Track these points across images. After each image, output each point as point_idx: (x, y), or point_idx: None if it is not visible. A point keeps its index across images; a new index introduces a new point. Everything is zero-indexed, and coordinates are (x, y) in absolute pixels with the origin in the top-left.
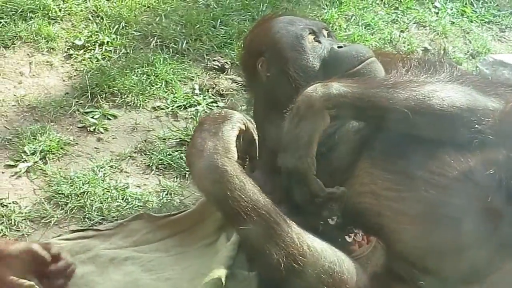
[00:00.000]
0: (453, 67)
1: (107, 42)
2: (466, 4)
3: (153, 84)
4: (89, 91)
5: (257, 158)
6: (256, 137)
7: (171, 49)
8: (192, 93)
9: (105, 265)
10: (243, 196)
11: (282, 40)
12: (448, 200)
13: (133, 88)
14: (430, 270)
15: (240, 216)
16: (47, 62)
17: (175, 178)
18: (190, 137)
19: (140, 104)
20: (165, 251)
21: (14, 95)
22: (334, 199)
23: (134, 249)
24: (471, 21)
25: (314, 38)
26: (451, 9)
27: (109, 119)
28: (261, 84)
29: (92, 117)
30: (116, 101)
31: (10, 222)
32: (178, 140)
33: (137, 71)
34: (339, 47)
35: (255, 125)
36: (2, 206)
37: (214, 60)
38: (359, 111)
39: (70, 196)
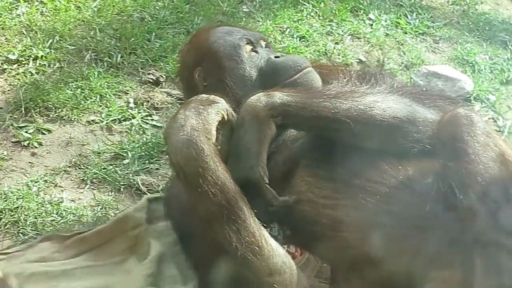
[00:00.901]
0: (392, 79)
1: (41, 56)
2: (400, 16)
3: (88, 98)
4: (23, 106)
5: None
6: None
7: (105, 63)
8: (127, 106)
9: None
10: (214, 177)
11: (219, 49)
12: (385, 208)
13: (67, 102)
14: (366, 277)
15: (207, 196)
16: None
17: (110, 192)
18: (125, 150)
19: (74, 118)
20: (73, 266)
21: None
22: (287, 207)
23: (41, 264)
24: (405, 33)
25: (251, 49)
26: (386, 21)
27: (43, 134)
28: (198, 94)
29: (26, 132)
30: (50, 116)
31: None
32: (113, 154)
33: (72, 85)
34: (276, 57)
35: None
36: None
37: (148, 74)
38: (302, 120)
39: (4, 211)
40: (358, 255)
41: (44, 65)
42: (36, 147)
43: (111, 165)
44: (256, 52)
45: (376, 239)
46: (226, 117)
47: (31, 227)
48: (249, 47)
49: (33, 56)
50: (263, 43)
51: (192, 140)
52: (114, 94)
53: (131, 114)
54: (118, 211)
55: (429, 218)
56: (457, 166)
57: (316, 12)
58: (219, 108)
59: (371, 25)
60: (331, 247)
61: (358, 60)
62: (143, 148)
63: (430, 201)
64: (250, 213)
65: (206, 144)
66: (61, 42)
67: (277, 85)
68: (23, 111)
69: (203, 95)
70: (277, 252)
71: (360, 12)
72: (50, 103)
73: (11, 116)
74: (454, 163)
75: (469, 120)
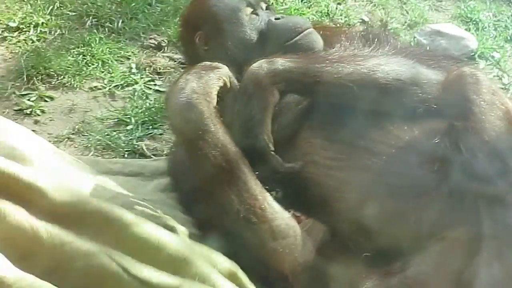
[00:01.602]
0: (395, 39)
1: (42, 23)
2: None
3: (90, 64)
4: (24, 74)
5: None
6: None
7: (107, 29)
8: (129, 72)
9: None
10: (214, 139)
11: (219, 13)
12: (390, 168)
13: (69, 69)
14: (373, 239)
15: (208, 159)
16: None
17: (114, 158)
18: (128, 116)
19: (76, 85)
20: None
21: None
22: (293, 173)
23: None
24: None
25: (251, 11)
26: None
27: (46, 101)
28: (199, 58)
29: (29, 100)
30: (53, 83)
31: None
32: (116, 120)
33: (73, 52)
34: (276, 18)
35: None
36: None
37: (150, 38)
38: (304, 86)
39: None
40: (362, 218)
41: (45, 32)
42: (39, 115)
43: (114, 131)
44: (257, 14)
45: (381, 201)
46: (228, 83)
47: None
48: (249, 10)
49: (33, 23)
50: (263, 5)
51: (191, 102)
52: (116, 60)
53: (134, 79)
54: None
55: (436, 178)
56: (464, 125)
57: None
58: (221, 73)
59: None
60: (334, 211)
61: (360, 20)
62: (146, 113)
63: (437, 161)
64: (252, 176)
65: (206, 107)
66: (62, 8)
67: (278, 47)
68: (25, 79)
69: (206, 62)
70: (280, 215)
71: None
72: (52, 70)
73: (13, 84)
74: (460, 122)
75: (474, 78)
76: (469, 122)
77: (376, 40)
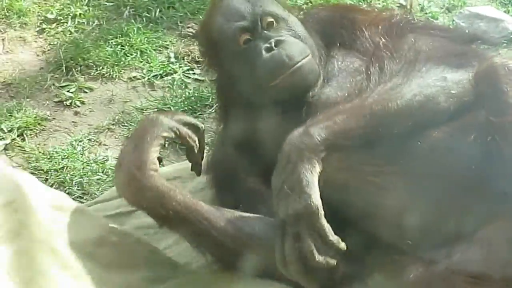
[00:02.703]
0: (423, 29)
1: (80, 14)
2: None
3: (128, 55)
4: (63, 65)
5: (201, 164)
6: (194, 144)
7: (144, 18)
8: (168, 61)
9: None
10: (162, 204)
11: (214, 42)
12: (430, 170)
13: (108, 59)
14: (418, 232)
15: (167, 220)
16: (20, 37)
17: None
18: (168, 106)
19: (116, 75)
20: None
21: None
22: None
23: None
24: None
25: (247, 38)
26: None
27: (85, 92)
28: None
29: (68, 91)
30: (92, 74)
31: None
32: (156, 109)
33: (111, 42)
34: (270, 49)
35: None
36: None
37: (188, 27)
38: (347, 145)
39: (49, 172)
40: (408, 216)
41: (83, 23)
42: (78, 106)
43: None
44: (255, 39)
45: (424, 202)
46: (172, 134)
47: (78, 187)
48: (245, 37)
49: (71, 14)
50: (265, 22)
51: (128, 177)
52: (154, 49)
53: (173, 68)
54: (162, 167)
55: (476, 176)
56: (500, 120)
57: None
58: (156, 132)
59: None
60: (376, 220)
61: (398, 4)
62: (185, 102)
63: (476, 159)
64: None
65: (143, 176)
66: None
67: (266, 87)
68: (64, 71)
69: (149, 116)
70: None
71: None
72: (91, 61)
73: (52, 76)
74: (496, 117)
75: (507, 69)
76: (505, 116)
77: (406, 30)
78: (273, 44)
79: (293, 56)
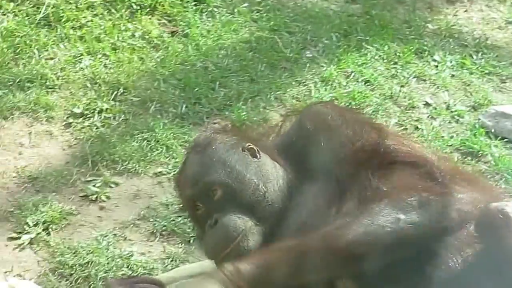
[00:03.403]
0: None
1: (106, 109)
2: (465, 56)
3: (154, 150)
4: (89, 159)
5: None
6: None
7: (170, 114)
8: None
9: None
10: None
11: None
12: None
13: (133, 154)
14: None
15: None
16: (47, 131)
17: (180, 244)
18: None
19: (141, 171)
20: None
21: (15, 166)
22: None
23: None
24: (471, 73)
25: (198, 205)
26: (451, 62)
27: (111, 187)
28: None
29: (94, 186)
30: (117, 168)
31: None
32: (181, 205)
33: (137, 137)
34: (211, 225)
35: None
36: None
37: (214, 123)
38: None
39: (74, 267)
40: None
41: (109, 117)
42: (104, 201)
43: (179, 216)
44: (203, 207)
45: None
46: None
47: (102, 282)
48: (196, 203)
49: (98, 109)
50: (212, 190)
51: None
52: (180, 145)
53: None
54: (188, 263)
55: None
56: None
57: (380, 56)
58: None
59: (436, 66)
60: None
61: (424, 103)
62: None
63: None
64: None
65: None
66: (125, 94)
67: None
68: (90, 165)
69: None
70: None
71: (424, 53)
72: (117, 155)
73: (78, 170)
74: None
75: (503, 220)
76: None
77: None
78: (213, 221)
79: (229, 237)
